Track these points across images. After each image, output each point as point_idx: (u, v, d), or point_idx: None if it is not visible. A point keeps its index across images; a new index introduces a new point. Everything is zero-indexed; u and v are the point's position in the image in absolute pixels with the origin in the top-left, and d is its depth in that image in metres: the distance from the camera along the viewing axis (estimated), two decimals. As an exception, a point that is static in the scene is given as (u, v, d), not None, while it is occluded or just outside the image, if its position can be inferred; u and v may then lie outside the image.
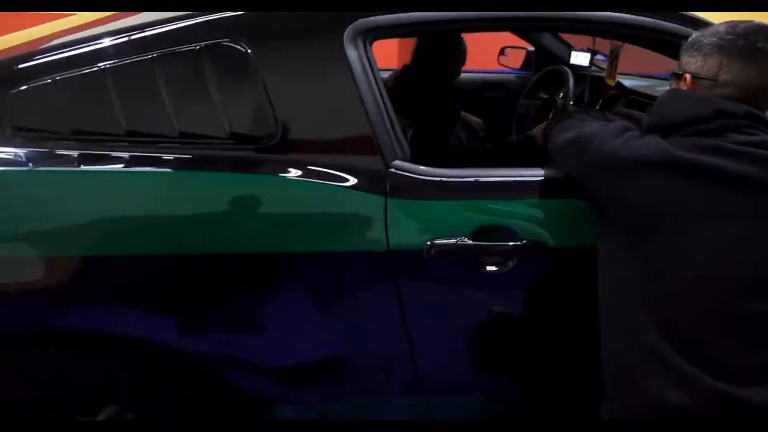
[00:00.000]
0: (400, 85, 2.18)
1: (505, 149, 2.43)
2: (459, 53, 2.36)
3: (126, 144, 1.27)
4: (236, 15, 1.34)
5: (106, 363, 1.32)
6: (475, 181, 1.37)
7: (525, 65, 2.79)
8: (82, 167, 1.25)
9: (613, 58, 2.26)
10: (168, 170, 1.28)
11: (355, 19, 1.32)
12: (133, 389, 1.35)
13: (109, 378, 1.33)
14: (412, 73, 2.25)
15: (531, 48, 2.72)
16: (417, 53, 2.26)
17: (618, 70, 2.30)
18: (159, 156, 1.28)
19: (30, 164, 1.24)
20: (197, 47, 1.28)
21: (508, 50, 2.75)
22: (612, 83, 2.34)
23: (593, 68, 2.44)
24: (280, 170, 1.29)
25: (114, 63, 1.26)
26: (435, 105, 2.24)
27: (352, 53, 1.31)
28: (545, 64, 2.63)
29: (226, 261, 1.27)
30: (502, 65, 2.76)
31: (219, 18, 1.33)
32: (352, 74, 1.30)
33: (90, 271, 1.23)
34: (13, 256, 1.21)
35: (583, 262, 1.32)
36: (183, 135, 1.27)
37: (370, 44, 1.34)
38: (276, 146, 1.29)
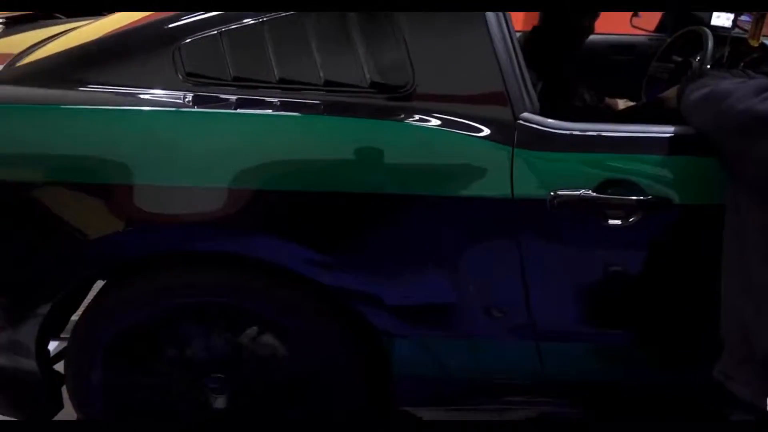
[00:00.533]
0: (529, 46, 2.20)
1: (635, 112, 2.39)
2: (588, 15, 2.33)
3: (278, 90, 1.41)
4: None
5: (255, 285, 1.49)
6: (602, 136, 1.39)
7: (659, 27, 2.69)
8: (240, 110, 1.41)
9: (760, 17, 2.15)
10: (314, 114, 1.41)
11: None
12: (275, 313, 1.52)
13: (256, 300, 1.50)
14: (541, 34, 2.26)
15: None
16: (547, 14, 2.26)
17: (763, 32, 2.19)
18: (306, 102, 1.41)
19: (196, 106, 1.41)
20: None
21: (642, 12, 2.67)
22: (756, 45, 2.23)
23: (736, 30, 2.33)
24: (414, 118, 1.38)
25: (271, 17, 1.40)
26: (562, 67, 2.24)
27: None
28: (682, 26, 2.54)
29: (363, 200, 1.38)
30: (635, 27, 2.68)
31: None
32: (488, 28, 1.36)
33: (243, 201, 1.39)
34: (179, 185, 1.38)
35: (708, 219, 1.33)
36: (328, 83, 1.40)
37: None
38: (412, 96, 1.39)
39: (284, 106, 1.41)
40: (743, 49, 2.30)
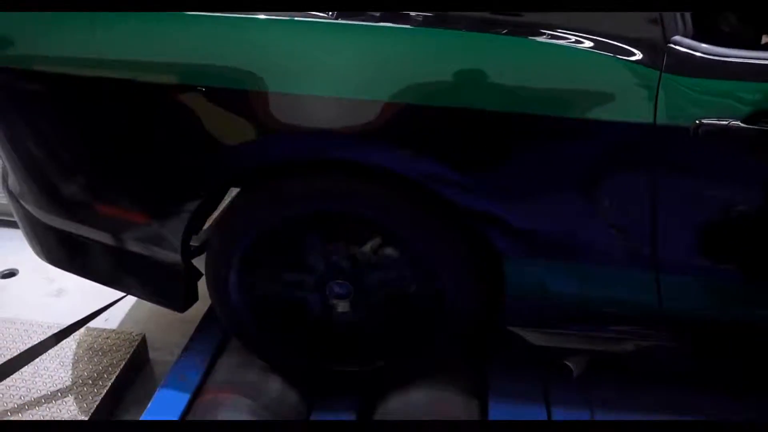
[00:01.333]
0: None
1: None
2: None
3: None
4: None
5: (384, 196, 1.54)
6: (758, 64, 1.33)
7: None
8: (387, 24, 1.42)
9: None
10: (458, 30, 1.40)
11: None
12: (401, 226, 1.57)
13: (383, 211, 1.56)
14: None
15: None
16: None
17: None
18: (450, 17, 1.41)
19: (340, 18, 1.43)
20: None
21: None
22: None
23: None
24: (563, 38, 1.36)
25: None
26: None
27: None
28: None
29: (505, 119, 1.39)
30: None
31: None
32: None
33: (384, 113, 1.40)
34: (323, 95, 1.42)
35: None
36: None
37: None
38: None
39: (426, 20, 1.41)
40: None
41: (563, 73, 1.37)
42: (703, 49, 1.32)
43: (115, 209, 1.69)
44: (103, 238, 1.76)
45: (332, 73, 1.41)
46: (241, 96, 1.44)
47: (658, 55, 1.33)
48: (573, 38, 1.36)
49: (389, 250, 1.65)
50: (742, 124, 1.30)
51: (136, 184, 1.63)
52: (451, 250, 1.59)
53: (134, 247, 1.73)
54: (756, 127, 1.30)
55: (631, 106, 1.34)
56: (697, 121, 1.31)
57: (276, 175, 1.57)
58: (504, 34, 1.38)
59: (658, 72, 1.32)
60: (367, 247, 1.65)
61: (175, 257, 1.67)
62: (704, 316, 1.60)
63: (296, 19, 1.43)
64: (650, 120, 1.33)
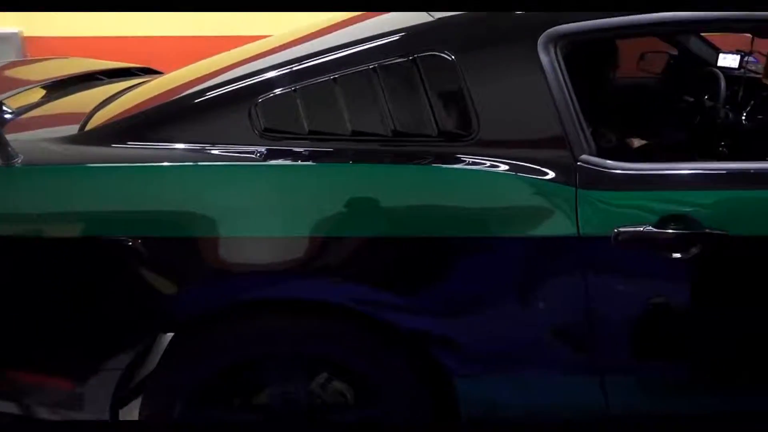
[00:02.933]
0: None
1: (651, 150, 2.51)
2: (612, 59, 2.46)
3: (352, 142, 1.47)
4: (440, 27, 1.53)
5: (329, 329, 1.52)
6: (659, 174, 1.48)
7: (666, 70, 2.83)
8: (315, 162, 1.47)
9: (771, 57, 2.29)
10: (387, 164, 1.47)
11: (548, 27, 1.47)
12: (347, 357, 1.55)
13: (328, 345, 1.53)
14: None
15: (673, 52, 2.77)
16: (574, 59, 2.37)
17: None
18: (378, 150, 1.47)
19: (272, 160, 1.47)
20: (410, 58, 1.47)
21: (648, 55, 2.81)
22: (768, 83, 2.37)
23: (743, 70, 2.47)
24: (479, 164, 1.45)
25: (341, 73, 1.47)
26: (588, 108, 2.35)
27: (544, 58, 1.46)
28: (689, 68, 2.68)
29: (438, 244, 1.44)
30: (643, 70, 2.82)
31: (426, 31, 1.53)
32: (545, 77, 1.46)
33: (319, 248, 1.43)
34: (257, 236, 1.43)
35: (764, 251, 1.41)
36: (398, 134, 1.47)
37: (561, 50, 1.48)
38: (478, 142, 1.46)
39: (358, 156, 1.47)
40: (754, 88, 2.43)
41: (487, 196, 1.45)
42: (609, 165, 1.46)
43: (34, 376, 1.55)
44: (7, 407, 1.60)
45: (252, 213, 1.42)
46: (165, 244, 1.42)
47: (571, 173, 1.44)
48: (489, 163, 1.45)
49: (338, 384, 1.61)
50: (655, 229, 1.42)
51: (59, 347, 1.52)
52: (398, 374, 1.57)
53: (45, 414, 1.58)
54: (667, 230, 1.42)
55: (556, 221, 1.44)
56: (616, 230, 1.42)
57: (212, 322, 1.52)
58: (426, 164, 1.45)
59: (574, 188, 1.43)
60: (315, 384, 1.61)
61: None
62: (650, 412, 1.64)
63: (209, 164, 1.45)
64: (574, 232, 1.43)
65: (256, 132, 1.47)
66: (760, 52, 2.40)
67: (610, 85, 2.74)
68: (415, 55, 1.47)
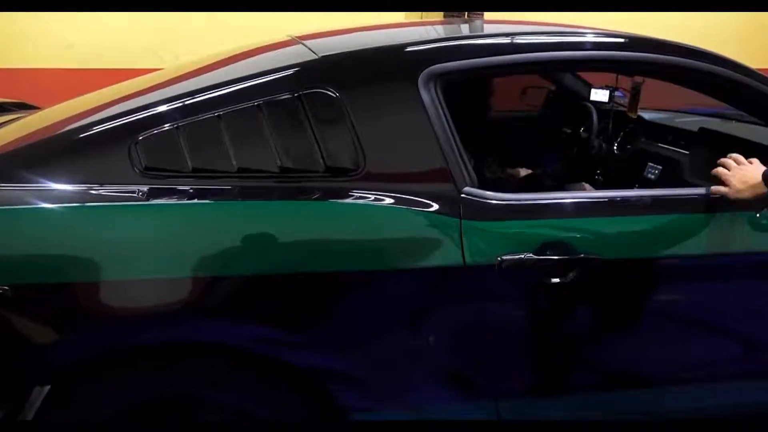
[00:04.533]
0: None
1: (535, 179, 2.64)
2: (488, 94, 2.58)
3: (236, 179, 1.45)
4: (324, 65, 1.56)
5: (216, 371, 1.48)
6: (536, 204, 1.56)
7: (546, 104, 3.01)
8: (200, 201, 1.44)
9: (635, 93, 2.49)
10: (274, 200, 1.46)
11: (428, 66, 1.53)
12: (238, 399, 1.51)
13: (215, 387, 1.49)
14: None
15: (552, 87, 2.94)
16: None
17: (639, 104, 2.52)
18: (265, 187, 1.46)
19: (154, 199, 1.42)
20: (295, 95, 1.48)
21: (530, 90, 2.97)
22: (634, 116, 2.57)
23: (612, 104, 2.66)
24: (366, 198, 1.48)
25: (226, 110, 1.46)
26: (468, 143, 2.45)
27: (425, 95, 1.52)
28: (566, 102, 2.86)
29: (324, 279, 1.44)
30: (526, 104, 2.98)
31: (311, 69, 1.55)
32: (427, 113, 1.51)
33: (205, 289, 1.39)
34: (136, 279, 1.37)
35: (635, 273, 1.51)
36: (285, 170, 1.47)
37: (441, 87, 1.55)
38: (362, 177, 1.49)
39: (245, 193, 1.45)
40: (623, 120, 2.63)
41: (375, 230, 1.47)
42: (490, 196, 1.52)
43: None
44: None
45: (134, 255, 1.37)
46: (42, 291, 1.34)
47: (455, 204, 1.49)
48: (376, 197, 1.48)
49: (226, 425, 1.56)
50: (534, 256, 1.50)
51: None
52: (295, 411, 1.55)
53: None
54: (545, 257, 1.50)
55: (443, 252, 1.48)
56: (499, 258, 1.48)
57: (95, 371, 1.44)
58: (314, 199, 1.46)
59: (459, 220, 1.48)
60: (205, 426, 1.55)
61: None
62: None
63: (87, 205, 1.39)
64: (461, 262, 1.47)
65: (137, 170, 1.42)
66: (624, 88, 2.61)
67: (497, 119, 2.88)
68: (301, 93, 1.49)
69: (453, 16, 3.83)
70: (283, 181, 1.47)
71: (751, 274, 1.65)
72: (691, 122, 2.50)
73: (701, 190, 1.62)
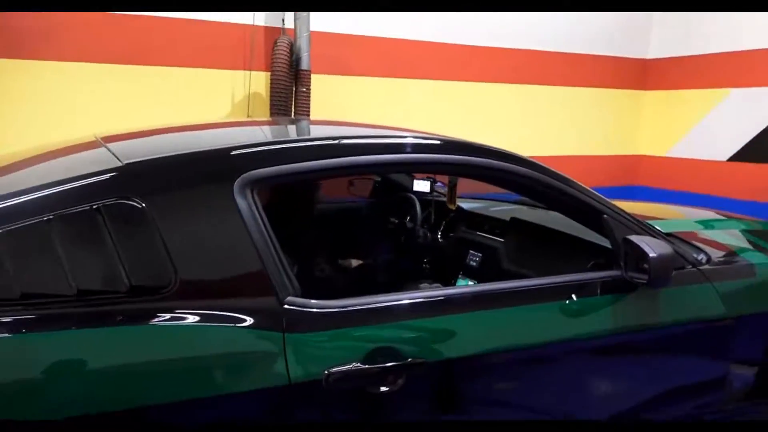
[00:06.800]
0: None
1: (369, 269, 2.64)
2: (314, 189, 2.58)
3: (20, 307, 1.26)
4: (127, 172, 1.43)
5: None
6: (359, 309, 1.50)
7: (373, 194, 3.07)
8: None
9: (452, 186, 2.61)
10: (68, 330, 1.28)
11: (245, 172, 1.46)
12: None
13: None
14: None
15: (377, 178, 3.02)
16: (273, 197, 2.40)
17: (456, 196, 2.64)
18: (59, 314, 1.28)
19: None
20: (93, 206, 1.33)
21: (357, 181, 3.02)
22: (453, 207, 2.68)
23: (435, 194, 2.77)
24: (179, 318, 1.34)
25: (9, 227, 1.28)
26: (296, 242, 2.40)
27: (242, 202, 1.43)
28: (392, 192, 2.93)
29: (135, 415, 1.27)
30: (353, 194, 3.01)
31: (111, 177, 1.41)
32: (243, 221, 1.42)
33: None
34: None
35: (457, 372, 1.51)
36: (81, 292, 1.30)
37: (257, 193, 1.48)
38: (174, 294, 1.35)
39: (33, 325, 1.26)
40: (444, 210, 2.74)
41: (189, 355, 1.33)
42: (313, 305, 1.45)
43: None
44: None
45: None
46: None
47: (277, 317, 1.41)
48: (189, 317, 1.35)
49: None
50: (362, 366, 1.44)
51: None
52: None
53: None
54: (373, 366, 1.45)
55: (265, 372, 1.37)
56: (326, 371, 1.40)
57: None
58: (116, 325, 1.30)
59: (281, 334, 1.39)
60: None
61: None
62: None
63: None
64: (285, 381, 1.37)
65: None
66: (442, 180, 2.74)
67: (327, 210, 2.88)
68: (99, 203, 1.34)
69: (278, 115, 3.85)
70: (79, 306, 1.29)
71: (563, 360, 1.71)
72: (502, 211, 2.66)
73: (519, 282, 1.69)
